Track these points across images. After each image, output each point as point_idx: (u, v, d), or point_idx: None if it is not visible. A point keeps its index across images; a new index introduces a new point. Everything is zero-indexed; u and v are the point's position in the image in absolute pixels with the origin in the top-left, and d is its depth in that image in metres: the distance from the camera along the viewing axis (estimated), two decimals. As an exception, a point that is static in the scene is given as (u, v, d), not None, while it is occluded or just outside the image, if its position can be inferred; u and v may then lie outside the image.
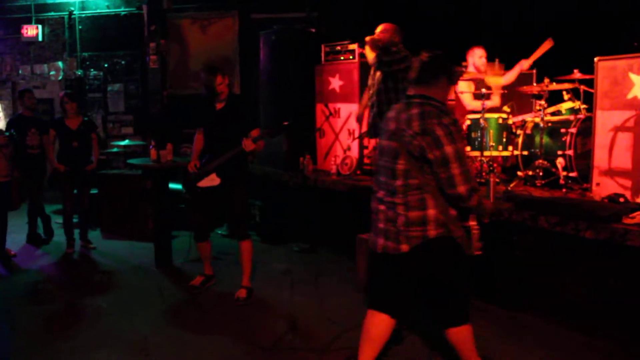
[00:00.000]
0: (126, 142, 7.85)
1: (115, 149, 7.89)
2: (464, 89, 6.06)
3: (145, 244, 6.22)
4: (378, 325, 3.04)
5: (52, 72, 9.60)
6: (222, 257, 5.98)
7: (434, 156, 2.72)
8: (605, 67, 4.35)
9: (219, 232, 6.93)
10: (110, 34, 9.27)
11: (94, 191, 6.90)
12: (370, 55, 4.50)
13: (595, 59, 4.41)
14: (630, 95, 4.20)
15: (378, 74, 4.52)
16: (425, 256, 2.86)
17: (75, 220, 6.37)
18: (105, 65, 9.37)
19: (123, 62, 9.28)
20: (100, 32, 9.32)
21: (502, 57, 6.19)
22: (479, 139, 5.53)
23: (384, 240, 2.91)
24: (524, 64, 5.67)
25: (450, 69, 2.90)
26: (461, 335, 3.06)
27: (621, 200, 4.01)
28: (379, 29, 4.60)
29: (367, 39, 4.52)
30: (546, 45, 5.44)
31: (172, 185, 6.21)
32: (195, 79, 8.57)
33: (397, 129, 2.82)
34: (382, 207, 2.92)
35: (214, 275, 5.15)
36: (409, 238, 2.83)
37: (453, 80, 2.97)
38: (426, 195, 2.78)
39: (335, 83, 6.66)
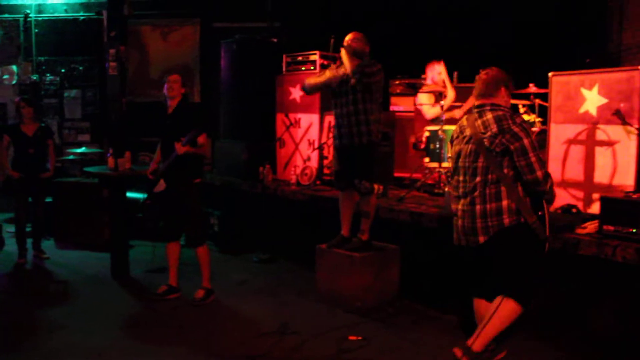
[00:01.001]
0: (83, 149, 7.68)
1: (71, 157, 7.69)
2: (423, 101, 6.15)
3: (101, 254, 6.06)
4: (479, 309, 3.55)
5: (6, 76, 9.28)
6: (181, 267, 5.78)
7: (514, 147, 3.21)
8: (559, 82, 4.45)
9: (178, 241, 6.80)
10: (67, 39, 9.02)
11: (48, 199, 6.70)
12: (347, 62, 4.47)
13: (550, 74, 4.51)
14: (582, 110, 4.31)
15: (350, 83, 4.51)
16: (501, 242, 3.29)
17: (28, 229, 6.16)
18: (62, 70, 9.12)
19: (81, 68, 9.05)
20: (58, 37, 9.06)
21: (461, 71, 6.30)
22: (438, 151, 5.60)
23: (465, 235, 3.41)
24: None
25: (506, 80, 3.46)
26: (511, 313, 3.31)
27: (574, 210, 4.10)
28: (350, 36, 4.61)
29: (346, 43, 4.52)
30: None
31: (129, 194, 6.10)
32: (154, 86, 8.44)
33: (475, 133, 3.34)
34: (460, 206, 3.42)
35: (179, 289, 5.02)
36: (487, 228, 3.29)
37: (510, 88, 3.49)
38: (502, 188, 3.25)
39: (296, 93, 6.65)
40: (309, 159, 6.41)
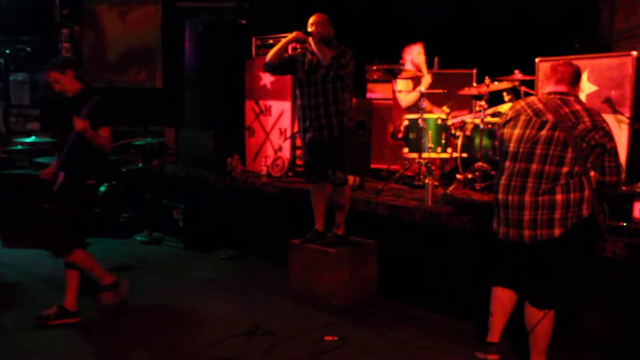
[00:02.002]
0: (32, 138, 7.45)
1: (19, 147, 7.49)
2: (402, 87, 6.14)
3: (54, 252, 5.89)
4: (511, 297, 3.52)
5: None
6: (141, 265, 5.79)
7: (610, 146, 3.26)
8: (546, 68, 4.46)
9: (139, 238, 6.72)
10: (12, 17, 8.72)
11: (-7, 193, 6.49)
12: (319, 51, 4.41)
13: (537, 60, 4.54)
14: (570, 97, 4.34)
15: (320, 72, 4.46)
16: (575, 235, 3.30)
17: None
18: (7, 51, 8.82)
19: (29, 49, 8.76)
20: (1, 14, 8.77)
21: (442, 57, 6.32)
22: (417, 140, 5.60)
23: (532, 230, 3.30)
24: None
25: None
26: (551, 319, 3.36)
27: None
28: (313, 19, 4.54)
29: (312, 30, 4.44)
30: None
31: (85, 187, 5.96)
32: (112, 70, 8.32)
33: (562, 121, 3.26)
34: (527, 197, 3.30)
35: (77, 313, 4.41)
36: (565, 220, 3.25)
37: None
38: (584, 178, 3.27)
39: (267, 79, 6.59)
40: (280, 149, 6.37)
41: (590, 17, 5.29)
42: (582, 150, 3.25)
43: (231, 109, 6.94)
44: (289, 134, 6.31)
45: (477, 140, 5.30)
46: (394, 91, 6.26)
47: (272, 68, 4.83)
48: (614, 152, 3.30)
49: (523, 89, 5.31)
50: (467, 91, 5.66)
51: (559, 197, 3.25)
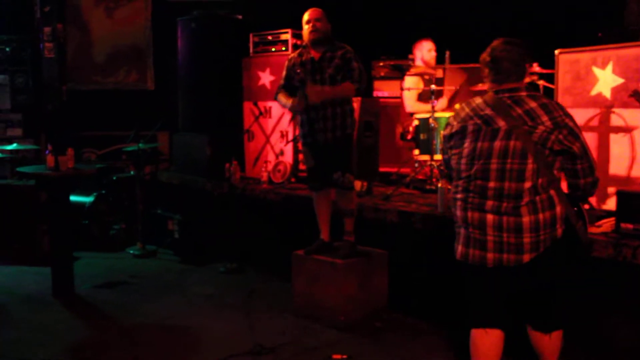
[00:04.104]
0: (14, 146, 7.47)
1: None
2: (411, 86, 6.14)
3: (40, 268, 5.93)
4: (495, 343, 3.16)
5: None
6: (134, 280, 5.80)
7: (577, 148, 2.96)
8: (566, 60, 4.47)
9: (131, 251, 6.73)
10: (-12, 13, 8.79)
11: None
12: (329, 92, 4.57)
13: (556, 52, 4.53)
14: (594, 92, 4.33)
15: (328, 72, 4.55)
16: (550, 258, 3.04)
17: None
18: (-16, 52, 8.89)
19: (8, 49, 8.79)
20: (-25, 11, 8.82)
21: (453, 51, 6.31)
22: (429, 141, 5.61)
23: (497, 253, 3.04)
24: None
25: (530, 55, 3.21)
26: (559, 338, 3.22)
27: (586, 207, 4.12)
28: (309, 16, 4.61)
29: (314, 26, 4.54)
30: None
31: (73, 198, 6.00)
32: (99, 71, 8.35)
33: (515, 126, 2.96)
34: (489, 216, 3.02)
35: None
36: (537, 243, 2.98)
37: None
38: (552, 192, 2.99)
39: (266, 78, 6.62)
40: (282, 153, 6.39)
41: (615, 3, 5.26)
42: (544, 157, 2.94)
43: (228, 111, 6.97)
44: (291, 137, 6.32)
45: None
46: (402, 89, 6.27)
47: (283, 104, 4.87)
48: (584, 151, 2.98)
49: (542, 83, 5.32)
50: (482, 87, 5.66)
51: (525, 219, 2.95)
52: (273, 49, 6.63)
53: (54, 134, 7.65)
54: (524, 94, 3.04)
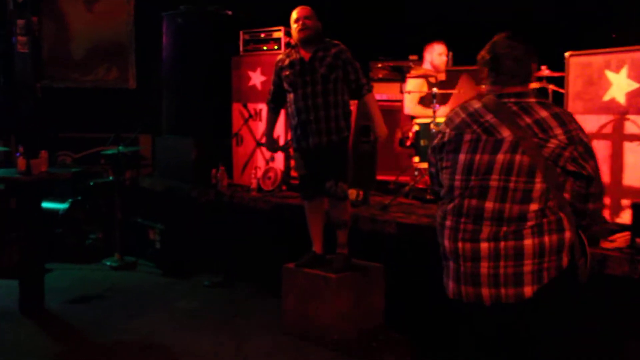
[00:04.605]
0: (-17, 148, 7.47)
1: (-32, 158, 7.48)
2: (413, 89, 6.11)
3: (7, 281, 5.87)
4: None
5: None
6: (111, 294, 5.76)
7: (591, 169, 2.67)
8: (578, 63, 4.46)
9: (108, 263, 6.69)
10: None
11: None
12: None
13: (566, 54, 4.53)
14: (607, 97, 4.31)
15: (320, 71, 4.54)
16: (556, 293, 2.70)
17: None
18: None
19: (-24, 44, 8.81)
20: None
21: (456, 50, 6.32)
22: (429, 148, 5.57)
23: (493, 288, 2.68)
24: None
25: (536, 55, 2.89)
26: None
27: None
28: (298, 14, 4.63)
29: (305, 25, 4.55)
30: None
31: (45, 205, 5.96)
32: (77, 68, 8.33)
33: (523, 137, 2.63)
34: (484, 244, 2.68)
35: None
36: (540, 272, 2.64)
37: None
38: (562, 215, 2.67)
39: (257, 78, 6.62)
40: (272, 159, 6.38)
41: (630, 2, 5.28)
42: (555, 177, 2.65)
43: (216, 113, 6.98)
44: (282, 141, 6.30)
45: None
46: (402, 92, 6.24)
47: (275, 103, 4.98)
48: (597, 173, 2.72)
49: (552, 87, 5.31)
50: (485, 90, 5.64)
51: (528, 242, 2.63)
52: (265, 48, 6.62)
53: (26, 135, 7.62)
54: (532, 100, 2.73)
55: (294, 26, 4.64)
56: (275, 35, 6.52)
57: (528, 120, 2.66)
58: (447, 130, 2.85)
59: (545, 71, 5.20)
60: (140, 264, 6.70)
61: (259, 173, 6.34)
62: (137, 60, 8.58)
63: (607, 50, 4.37)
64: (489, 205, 2.67)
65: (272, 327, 4.89)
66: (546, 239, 2.62)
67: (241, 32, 6.81)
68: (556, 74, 5.11)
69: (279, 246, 5.65)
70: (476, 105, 2.82)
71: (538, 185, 2.61)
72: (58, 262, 6.44)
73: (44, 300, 5.45)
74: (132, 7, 8.56)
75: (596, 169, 2.70)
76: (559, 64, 4.76)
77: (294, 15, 4.65)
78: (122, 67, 8.40)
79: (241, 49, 6.81)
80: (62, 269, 6.26)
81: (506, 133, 2.66)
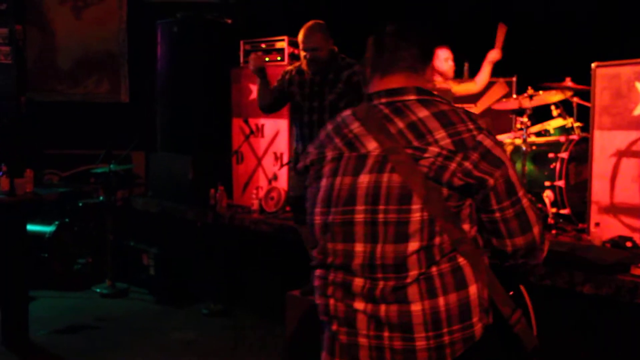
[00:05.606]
0: (-33, 166, 7.52)
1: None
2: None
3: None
4: None
5: None
6: (101, 324, 5.78)
7: (495, 182, 2.04)
8: (605, 75, 4.50)
9: (98, 290, 6.71)
10: None
11: None
12: None
13: (593, 65, 4.56)
14: (637, 112, 4.35)
15: (329, 98, 4.64)
16: None
17: None
18: None
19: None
20: None
21: (472, 61, 6.35)
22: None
23: None
24: (494, 55, 5.71)
25: (437, 40, 2.57)
26: None
27: (628, 244, 4.13)
28: (306, 44, 4.70)
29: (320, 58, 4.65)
30: (501, 30, 5.63)
31: (31, 227, 5.99)
32: (65, 80, 8.39)
33: (393, 150, 2.06)
34: (360, 304, 2.10)
35: None
36: (439, 350, 2.03)
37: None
38: (461, 261, 2.05)
39: (258, 91, 6.65)
40: (275, 178, 6.39)
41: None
42: (441, 200, 2.02)
43: (215, 129, 7.00)
44: (286, 159, 6.34)
45: (518, 165, 5.31)
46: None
47: (268, 109, 5.16)
48: (510, 187, 2.07)
49: (576, 100, 5.34)
50: (504, 104, 5.68)
51: (415, 307, 2.01)
52: (267, 59, 6.63)
53: (9, 152, 7.65)
54: (412, 97, 2.15)
55: (302, 53, 4.71)
56: (278, 45, 6.53)
57: (400, 124, 2.09)
58: (311, 150, 2.33)
59: (569, 83, 5.21)
60: (133, 291, 6.72)
61: (261, 193, 6.34)
62: (130, 71, 8.58)
63: (637, 60, 4.40)
64: (358, 247, 2.09)
65: (273, 357, 4.92)
66: (440, 301, 2.01)
67: (242, 42, 6.80)
68: (581, 87, 5.08)
69: (283, 272, 5.66)
70: (346, 114, 2.29)
71: (416, 215, 2.01)
72: (44, 290, 6.46)
73: (28, 331, 5.44)
74: (125, 15, 8.58)
75: (508, 183, 2.07)
76: (584, 76, 4.77)
77: (302, 40, 4.71)
78: (114, 79, 8.45)
79: (241, 60, 6.81)
80: (48, 297, 6.28)
81: (372, 145, 2.12)
